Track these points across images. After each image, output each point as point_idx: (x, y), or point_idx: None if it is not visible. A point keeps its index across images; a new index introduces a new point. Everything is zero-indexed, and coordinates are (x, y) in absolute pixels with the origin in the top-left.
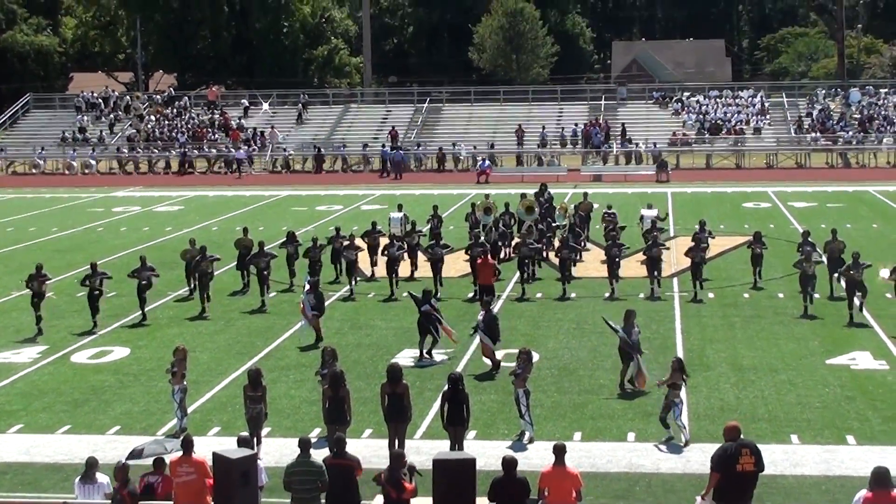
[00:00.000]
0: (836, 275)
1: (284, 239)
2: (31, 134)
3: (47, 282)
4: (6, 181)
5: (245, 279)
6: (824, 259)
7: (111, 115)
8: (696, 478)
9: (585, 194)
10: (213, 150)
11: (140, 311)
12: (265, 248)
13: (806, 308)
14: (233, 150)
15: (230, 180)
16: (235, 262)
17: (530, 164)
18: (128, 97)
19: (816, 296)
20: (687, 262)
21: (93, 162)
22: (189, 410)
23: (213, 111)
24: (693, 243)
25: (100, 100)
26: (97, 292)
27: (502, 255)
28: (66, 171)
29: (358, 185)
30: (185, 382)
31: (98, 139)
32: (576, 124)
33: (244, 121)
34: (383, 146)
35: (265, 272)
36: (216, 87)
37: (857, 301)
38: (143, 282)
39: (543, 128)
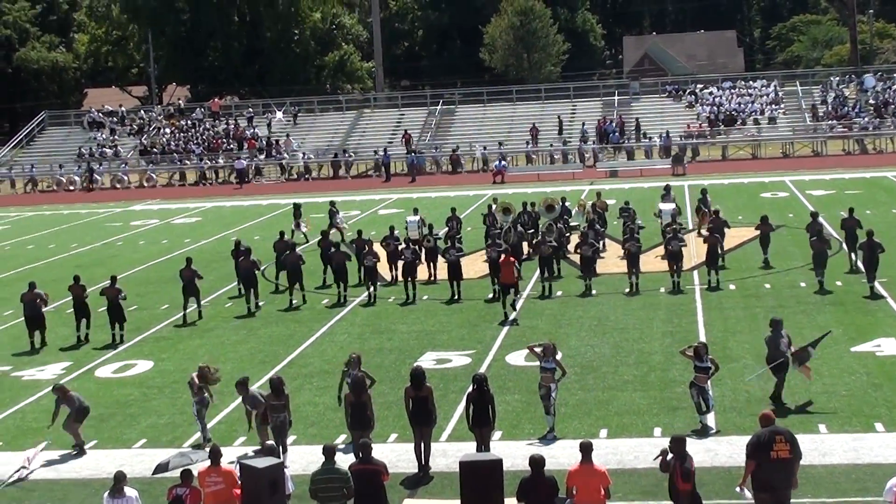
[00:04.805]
0: (853, 255)
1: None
2: (48, 151)
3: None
4: (25, 199)
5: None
6: (837, 236)
7: (125, 129)
8: (723, 471)
9: (598, 193)
10: (227, 161)
11: (196, 309)
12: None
13: (822, 283)
14: (243, 159)
15: (228, 190)
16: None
17: (545, 163)
18: (142, 111)
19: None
20: (705, 248)
21: (98, 177)
22: (214, 421)
23: (226, 122)
24: (707, 232)
25: (103, 116)
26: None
27: (524, 255)
28: (77, 187)
29: (374, 190)
30: (205, 395)
31: (114, 153)
32: (583, 124)
33: (258, 129)
34: (384, 151)
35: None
36: (219, 98)
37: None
38: (188, 281)
39: (583, 124)
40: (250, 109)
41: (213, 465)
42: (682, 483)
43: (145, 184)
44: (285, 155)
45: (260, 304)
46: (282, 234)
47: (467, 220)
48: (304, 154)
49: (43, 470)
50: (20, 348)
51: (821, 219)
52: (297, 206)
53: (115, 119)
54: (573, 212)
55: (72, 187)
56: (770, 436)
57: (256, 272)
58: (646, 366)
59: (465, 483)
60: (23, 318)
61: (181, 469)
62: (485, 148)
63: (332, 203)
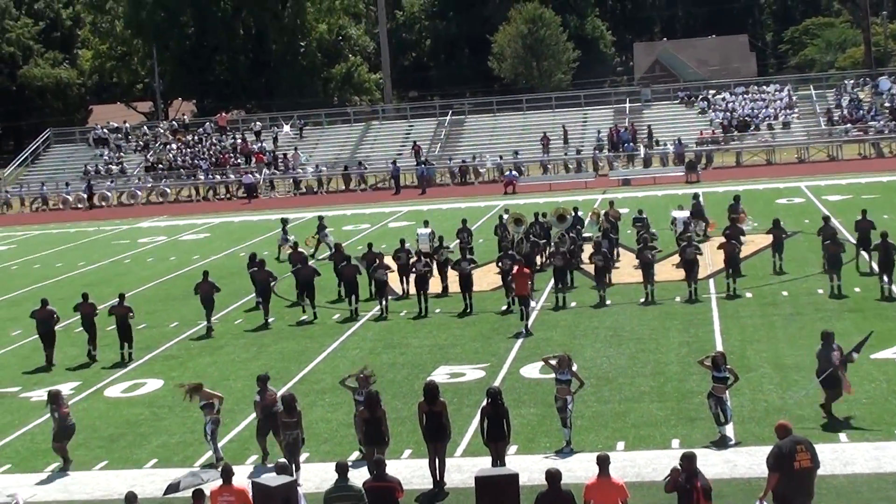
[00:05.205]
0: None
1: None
2: (54, 169)
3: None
4: (32, 218)
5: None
6: (852, 239)
7: (131, 146)
8: (742, 482)
9: (611, 202)
10: (232, 176)
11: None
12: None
13: (840, 287)
14: (252, 174)
15: (237, 205)
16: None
17: (557, 172)
18: (146, 126)
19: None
20: (721, 255)
21: (109, 194)
22: (226, 439)
23: (232, 136)
24: (724, 238)
25: (108, 133)
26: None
27: (537, 266)
28: (85, 205)
29: (384, 203)
30: (219, 415)
31: (120, 170)
32: (599, 131)
33: (265, 143)
34: (394, 163)
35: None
36: (226, 112)
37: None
38: (205, 295)
39: (599, 132)
40: (258, 123)
41: (225, 485)
42: (704, 501)
43: (160, 198)
44: (298, 170)
45: (270, 320)
46: (295, 244)
47: (478, 231)
48: (316, 166)
49: (54, 490)
50: (28, 367)
51: (833, 222)
52: (284, 222)
53: (120, 135)
54: (586, 221)
55: (80, 205)
56: (792, 446)
57: (272, 283)
58: (662, 376)
59: (480, 498)
60: (33, 337)
61: (193, 489)
62: (500, 157)
63: (321, 218)
